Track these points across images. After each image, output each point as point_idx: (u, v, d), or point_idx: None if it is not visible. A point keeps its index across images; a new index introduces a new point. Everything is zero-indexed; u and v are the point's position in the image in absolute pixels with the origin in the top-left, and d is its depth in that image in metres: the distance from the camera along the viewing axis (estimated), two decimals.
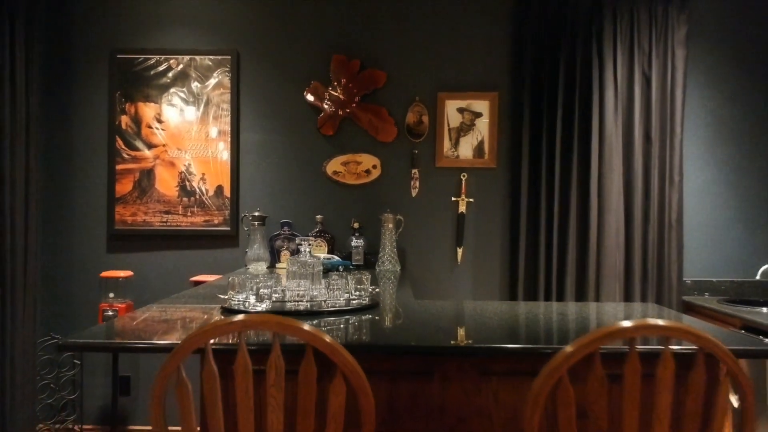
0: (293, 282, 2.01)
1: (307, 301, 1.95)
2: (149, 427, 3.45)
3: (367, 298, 2.05)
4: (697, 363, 1.12)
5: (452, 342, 1.58)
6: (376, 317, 1.87)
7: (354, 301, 1.99)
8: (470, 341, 1.62)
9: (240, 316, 1.13)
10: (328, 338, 1.14)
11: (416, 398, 1.59)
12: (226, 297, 1.97)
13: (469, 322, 1.89)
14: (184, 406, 1.12)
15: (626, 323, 1.11)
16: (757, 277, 3.20)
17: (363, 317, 1.86)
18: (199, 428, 1.36)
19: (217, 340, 1.44)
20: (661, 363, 1.11)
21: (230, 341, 1.49)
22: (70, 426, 3.45)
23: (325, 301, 1.96)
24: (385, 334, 1.68)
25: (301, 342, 1.16)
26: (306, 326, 1.13)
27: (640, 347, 1.38)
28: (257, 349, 1.36)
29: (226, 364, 1.33)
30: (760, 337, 2.65)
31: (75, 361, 3.44)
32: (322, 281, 2.05)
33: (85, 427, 3.47)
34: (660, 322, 1.12)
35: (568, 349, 1.11)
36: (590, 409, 1.13)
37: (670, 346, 1.13)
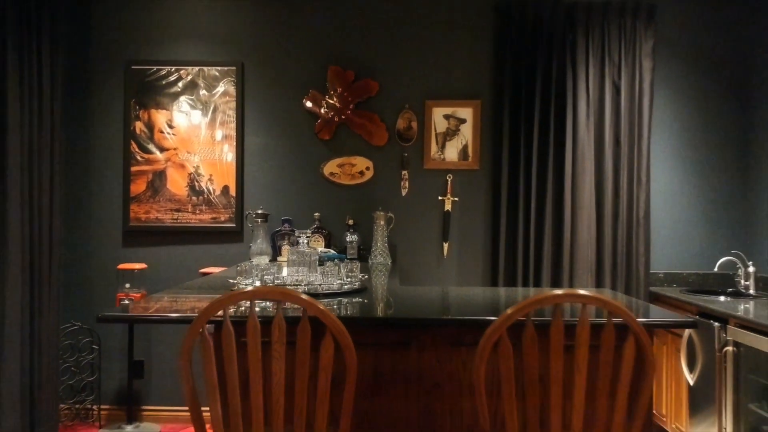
0: (292, 269, 2.31)
1: (304, 285, 2.23)
2: (162, 407, 3.76)
3: (357, 284, 2.34)
4: (607, 324, 1.42)
5: (426, 316, 1.88)
6: (365, 300, 2.16)
7: (345, 286, 2.28)
8: (442, 316, 1.92)
9: (251, 288, 1.44)
10: (320, 305, 1.45)
11: (397, 366, 1.88)
12: (235, 281, 2.28)
13: (444, 302, 2.20)
14: (206, 358, 1.43)
15: (555, 291, 1.42)
16: (715, 269, 3.50)
17: (353, 299, 2.15)
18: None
19: (233, 311, 1.74)
20: (580, 323, 1.42)
21: (240, 314, 1.79)
22: (89, 406, 3.72)
23: (320, 285, 2.25)
24: (370, 310, 1.98)
25: (298, 315, 1.46)
26: (303, 295, 1.44)
27: (568, 319, 1.69)
28: (262, 321, 1.58)
29: (238, 336, 1.61)
30: (711, 321, 2.95)
31: (93, 346, 3.73)
32: (318, 269, 2.34)
33: (102, 407, 3.74)
34: (580, 291, 1.43)
35: (508, 311, 1.42)
36: (525, 360, 1.44)
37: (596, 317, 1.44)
